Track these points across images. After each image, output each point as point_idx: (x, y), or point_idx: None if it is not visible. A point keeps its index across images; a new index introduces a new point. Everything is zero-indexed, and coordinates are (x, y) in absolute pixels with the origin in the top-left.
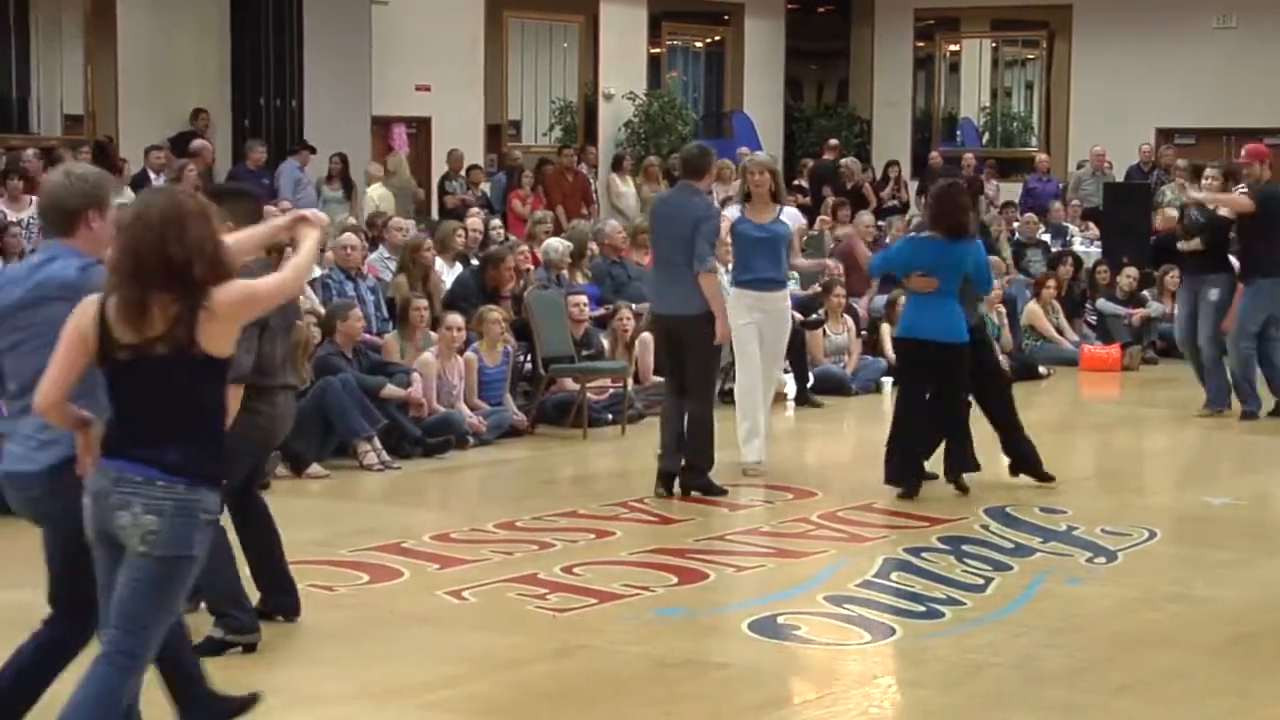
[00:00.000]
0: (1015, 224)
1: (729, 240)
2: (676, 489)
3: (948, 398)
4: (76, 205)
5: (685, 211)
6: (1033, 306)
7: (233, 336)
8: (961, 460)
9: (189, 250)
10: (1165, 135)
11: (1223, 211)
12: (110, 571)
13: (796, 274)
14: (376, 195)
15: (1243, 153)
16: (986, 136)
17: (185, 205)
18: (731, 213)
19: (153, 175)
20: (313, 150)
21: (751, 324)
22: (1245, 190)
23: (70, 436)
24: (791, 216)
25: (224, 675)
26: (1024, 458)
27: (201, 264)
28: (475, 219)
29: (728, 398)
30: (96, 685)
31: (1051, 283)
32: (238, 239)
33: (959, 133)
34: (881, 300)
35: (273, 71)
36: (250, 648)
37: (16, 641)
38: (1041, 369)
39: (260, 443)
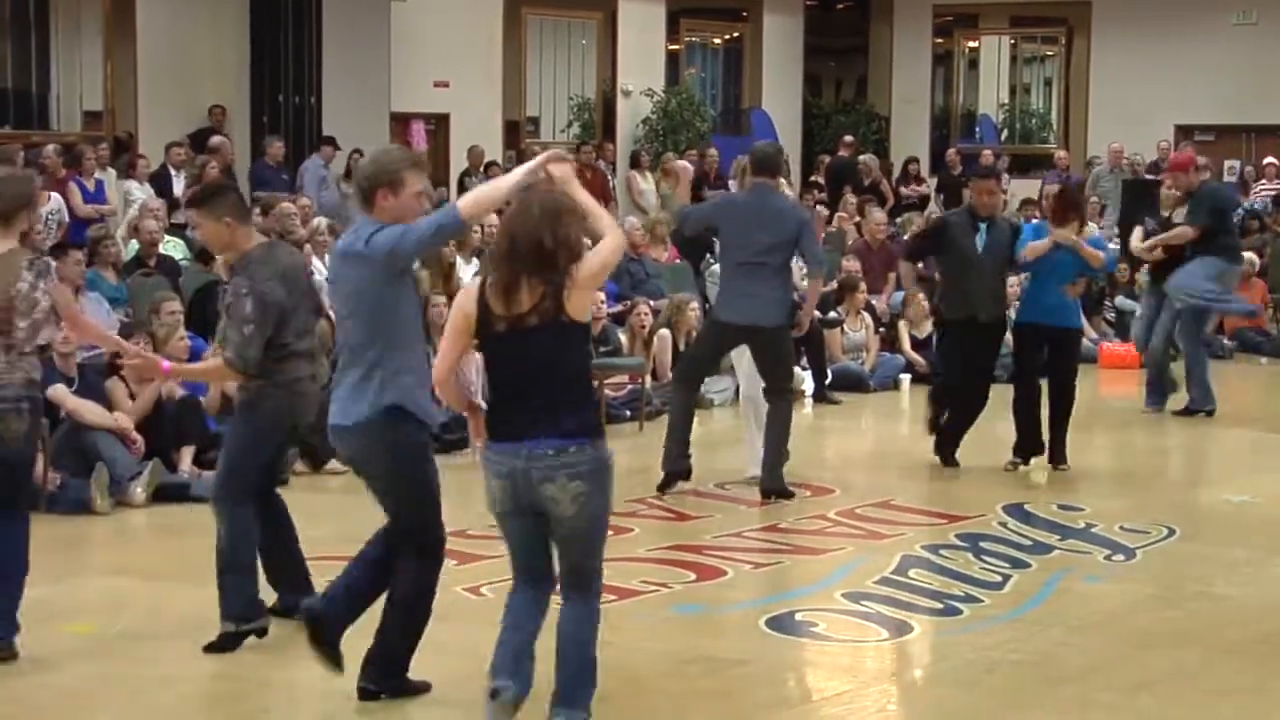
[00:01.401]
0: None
1: None
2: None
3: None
4: (368, 184)
5: (780, 212)
6: None
7: (590, 302)
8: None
9: (559, 242)
10: (1184, 132)
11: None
12: (525, 535)
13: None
14: None
15: (1166, 167)
16: (1005, 133)
17: (561, 203)
18: None
19: (173, 172)
20: (337, 147)
21: None
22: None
23: (375, 394)
24: None
25: (239, 670)
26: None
27: (567, 254)
28: (491, 215)
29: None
30: (582, 623)
31: None
32: (484, 191)
33: (977, 129)
34: (899, 297)
35: (291, 68)
36: (261, 633)
37: (38, 636)
38: None
39: (284, 409)
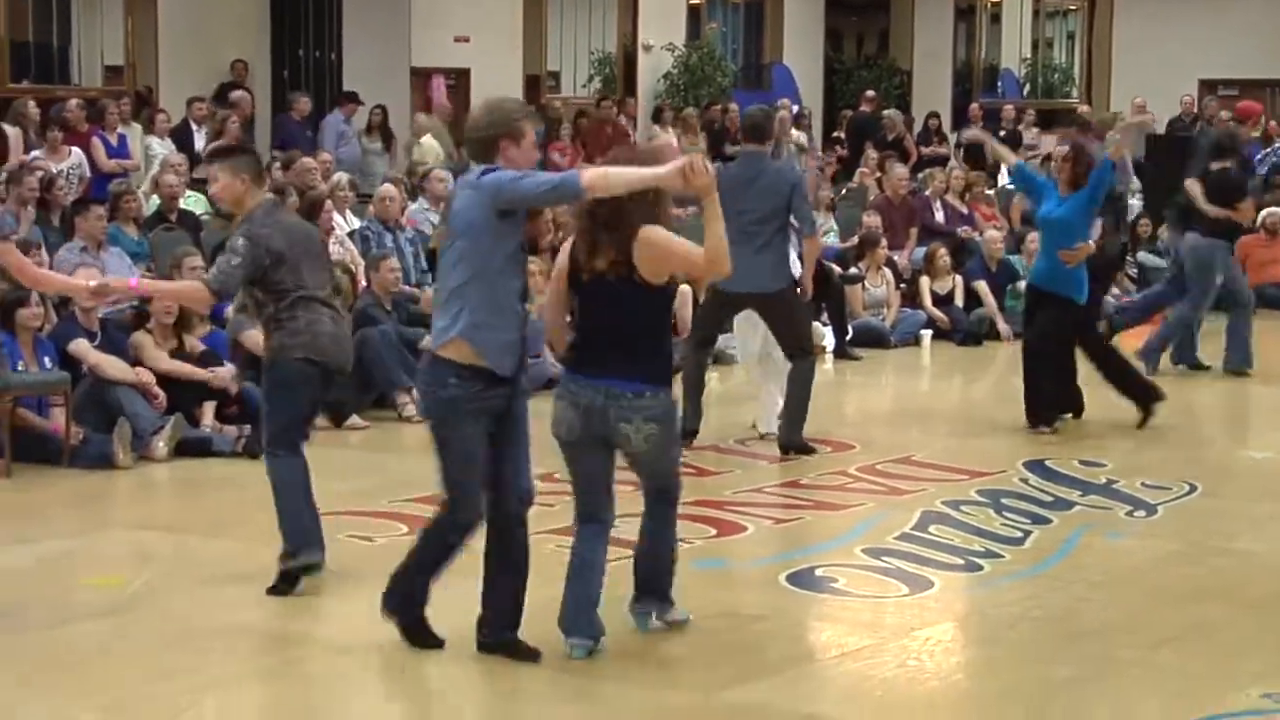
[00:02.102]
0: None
1: None
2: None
3: None
4: (491, 134)
5: (772, 178)
6: None
7: (662, 269)
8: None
9: (632, 206)
10: (1208, 86)
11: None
12: (591, 464)
13: (835, 226)
14: (427, 144)
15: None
16: (1027, 88)
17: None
18: None
19: (195, 127)
20: (359, 102)
21: None
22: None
23: (448, 325)
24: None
25: (263, 623)
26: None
27: (640, 211)
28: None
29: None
30: (661, 526)
31: None
32: (613, 173)
33: (1000, 84)
34: (920, 253)
35: (312, 23)
36: (315, 567)
37: (60, 589)
38: None
39: (305, 359)
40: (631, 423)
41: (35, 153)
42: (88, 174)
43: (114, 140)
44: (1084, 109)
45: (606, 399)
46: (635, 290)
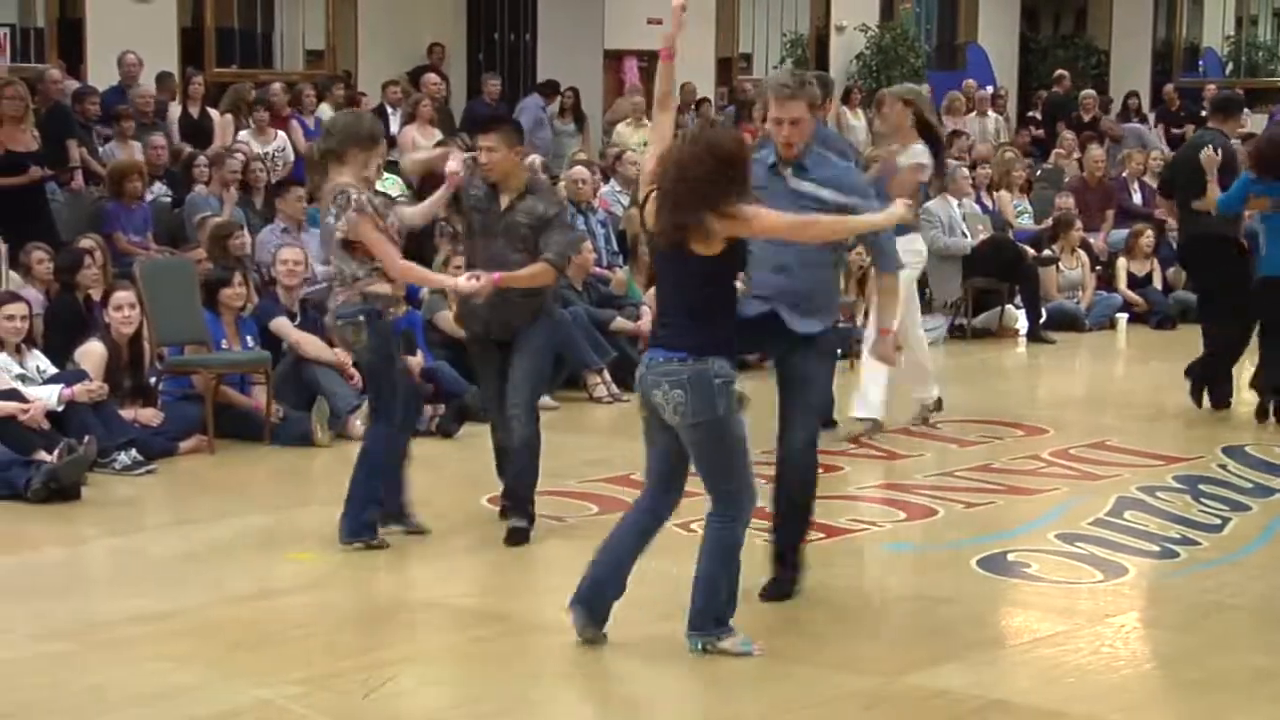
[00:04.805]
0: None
1: None
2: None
3: None
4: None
5: None
6: None
7: (720, 240)
8: None
9: (698, 180)
10: None
11: None
12: (653, 433)
13: (1029, 209)
14: (625, 129)
15: None
16: (1230, 67)
17: (725, 146)
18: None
19: (390, 109)
20: (559, 92)
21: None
22: None
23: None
24: (913, 154)
25: (453, 599)
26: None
27: (701, 198)
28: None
29: None
30: (711, 545)
31: None
32: None
33: (1201, 63)
34: (1119, 236)
35: (507, 6)
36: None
37: (261, 564)
38: None
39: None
40: (660, 389)
41: (242, 134)
42: (292, 157)
43: (311, 123)
44: None
45: (646, 368)
46: (683, 261)
